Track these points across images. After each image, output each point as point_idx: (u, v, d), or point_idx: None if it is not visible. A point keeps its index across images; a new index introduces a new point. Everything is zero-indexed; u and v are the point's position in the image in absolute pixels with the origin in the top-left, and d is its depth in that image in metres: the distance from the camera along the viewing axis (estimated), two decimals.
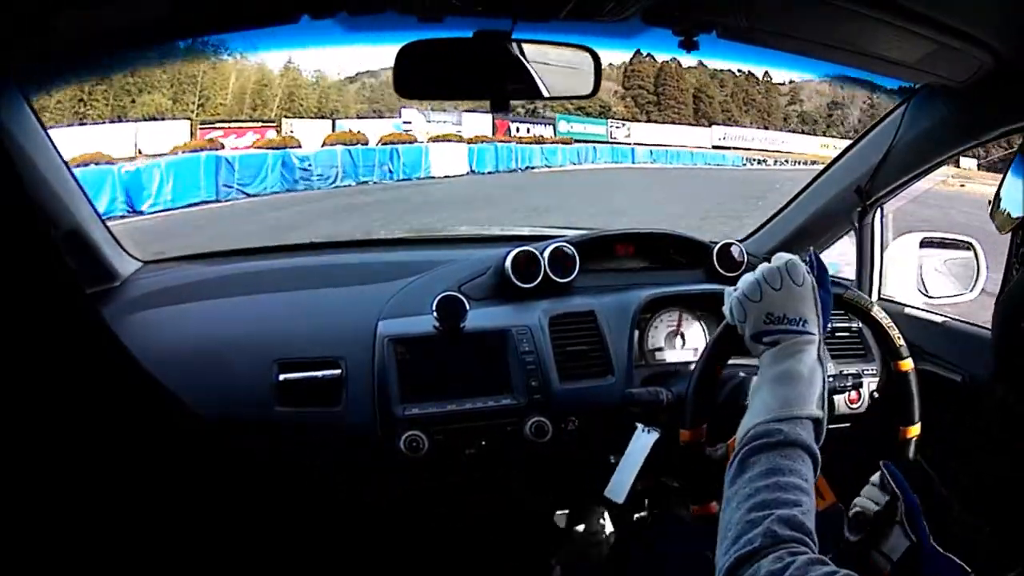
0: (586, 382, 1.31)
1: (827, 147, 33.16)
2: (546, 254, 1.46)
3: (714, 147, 30.75)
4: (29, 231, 0.87)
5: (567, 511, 1.55)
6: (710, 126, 32.79)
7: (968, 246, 1.51)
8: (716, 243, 1.59)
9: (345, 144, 17.00)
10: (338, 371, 1.26)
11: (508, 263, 1.44)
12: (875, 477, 0.95)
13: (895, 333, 1.04)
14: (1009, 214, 0.69)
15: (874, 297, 1.51)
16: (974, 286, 1.48)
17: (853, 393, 1.32)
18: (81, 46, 0.99)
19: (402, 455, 1.21)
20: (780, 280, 0.85)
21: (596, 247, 1.54)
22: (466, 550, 1.51)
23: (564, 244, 1.49)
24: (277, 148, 15.09)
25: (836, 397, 1.31)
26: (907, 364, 1.04)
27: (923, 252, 1.52)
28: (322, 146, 17.00)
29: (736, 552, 0.62)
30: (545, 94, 1.08)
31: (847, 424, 1.34)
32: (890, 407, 1.09)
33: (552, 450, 1.28)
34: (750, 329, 0.85)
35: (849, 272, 1.58)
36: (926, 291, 1.52)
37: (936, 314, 1.47)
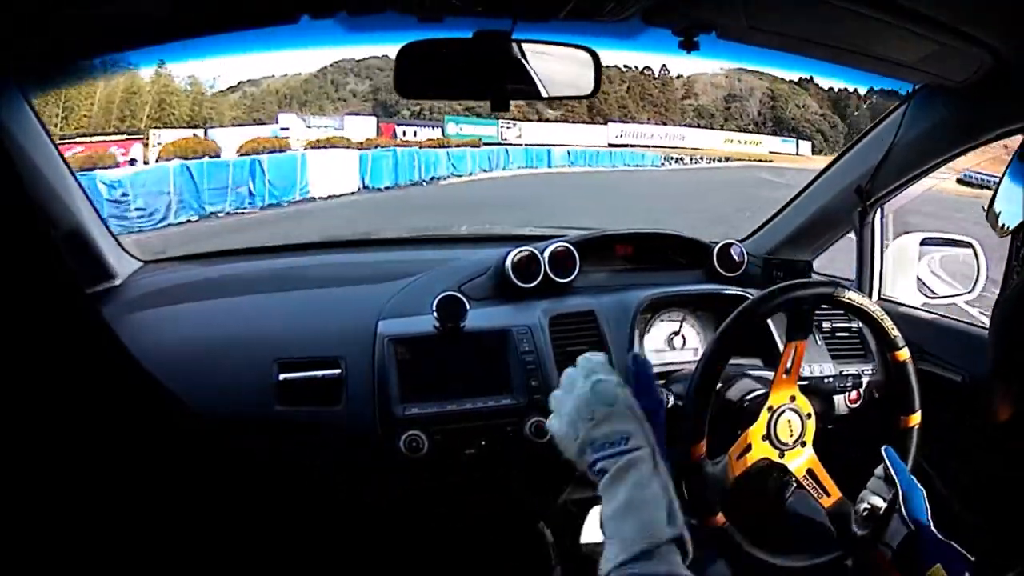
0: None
1: (731, 142, 33.23)
2: (546, 254, 1.47)
3: (610, 145, 28.84)
4: (29, 231, 0.87)
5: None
6: (606, 123, 30.91)
7: (968, 246, 1.51)
8: (716, 243, 1.60)
9: (186, 157, 11.85)
10: (338, 371, 1.26)
11: (508, 263, 1.44)
12: (879, 470, 0.96)
13: (889, 324, 1.05)
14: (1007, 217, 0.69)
15: (874, 297, 1.51)
16: (974, 286, 1.49)
17: (853, 393, 1.33)
18: (81, 46, 0.99)
19: (402, 455, 1.21)
20: (591, 410, 0.79)
21: (596, 247, 1.54)
22: (466, 550, 1.51)
23: (564, 244, 1.49)
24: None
25: (836, 397, 1.31)
26: (904, 354, 1.06)
27: (923, 252, 1.53)
28: (156, 161, 12.44)
29: None
30: (545, 94, 1.08)
31: (848, 422, 1.34)
32: (890, 403, 1.10)
33: (552, 450, 1.27)
34: (579, 463, 0.80)
35: (849, 272, 1.58)
36: (926, 291, 1.53)
37: (936, 314, 1.47)
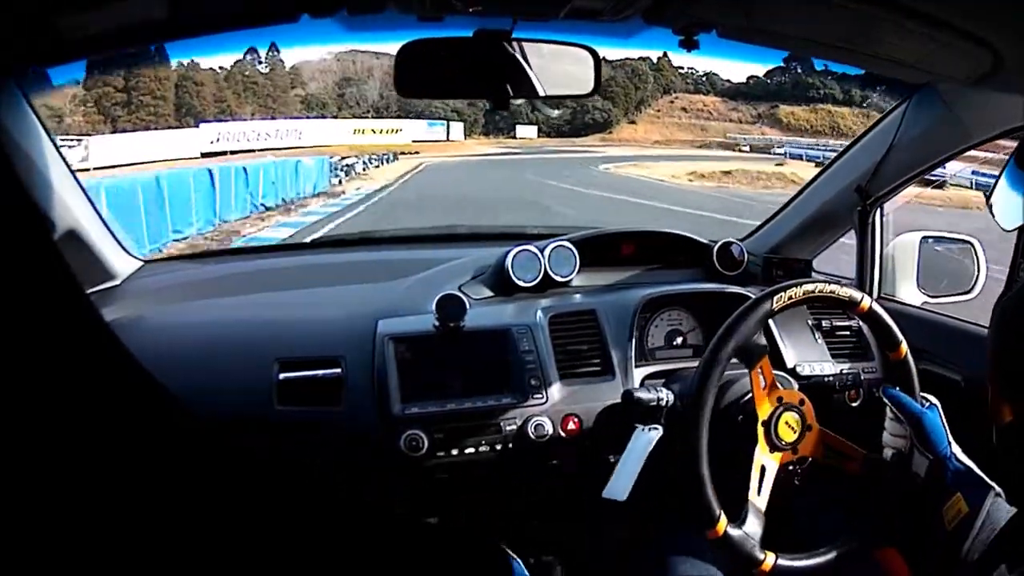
0: (586, 381, 1.31)
1: (361, 132, 28.63)
2: (546, 253, 1.47)
3: (203, 155, 19.79)
4: (29, 231, 0.87)
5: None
6: (197, 125, 23.60)
7: (968, 244, 1.51)
8: (716, 242, 1.60)
9: None
10: (338, 370, 1.26)
11: (509, 262, 1.44)
12: (889, 411, 0.97)
13: (889, 321, 1.06)
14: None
15: (874, 295, 1.50)
16: (974, 285, 1.48)
17: (853, 392, 1.33)
18: (81, 46, 0.99)
19: (402, 454, 1.21)
20: None
21: (596, 246, 1.54)
22: (466, 550, 1.50)
23: (564, 243, 1.49)
24: None
25: (836, 396, 1.32)
26: (903, 350, 1.07)
27: (924, 251, 1.52)
28: None
29: None
30: (545, 93, 1.08)
31: (848, 422, 1.34)
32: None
33: (552, 449, 1.28)
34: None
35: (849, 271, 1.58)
36: (926, 290, 1.52)
37: (936, 314, 1.47)
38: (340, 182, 17.31)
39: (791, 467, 1.06)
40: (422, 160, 25.09)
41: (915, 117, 1.30)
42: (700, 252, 1.59)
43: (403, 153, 26.22)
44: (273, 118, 27.71)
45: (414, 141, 30.01)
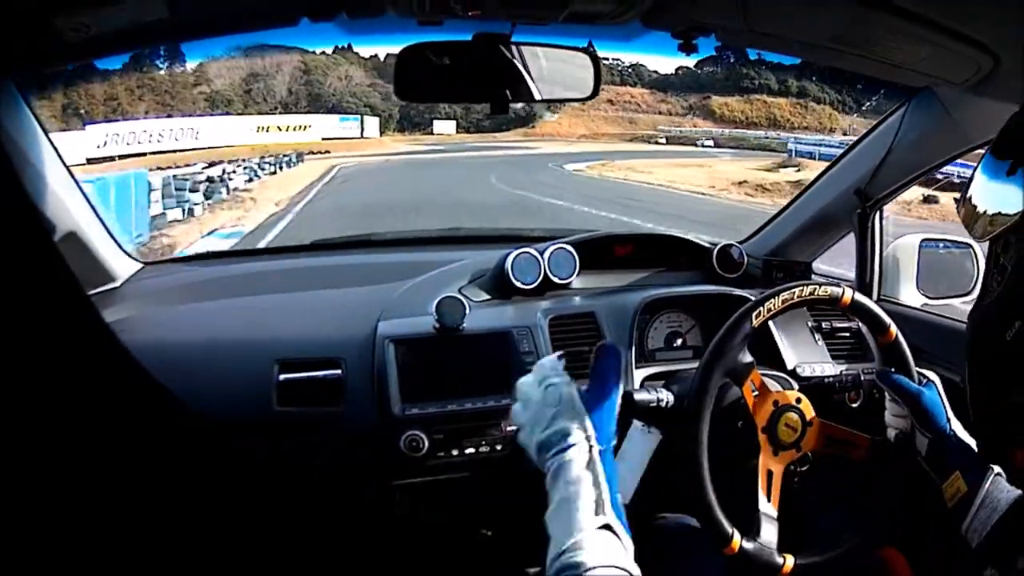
0: (586, 382, 1.31)
1: (264, 130, 25.01)
2: (546, 255, 1.47)
3: (90, 160, 16.58)
4: (28, 232, 0.87)
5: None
6: (84, 127, 20.30)
7: (968, 247, 1.51)
8: (716, 244, 1.60)
9: None
10: (338, 371, 1.26)
11: (508, 264, 1.45)
12: (887, 394, 0.97)
13: (874, 307, 1.06)
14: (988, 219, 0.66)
15: (874, 297, 1.51)
16: (973, 287, 1.48)
17: (852, 392, 1.33)
18: (81, 47, 0.99)
19: (402, 455, 1.21)
20: (542, 415, 0.80)
21: (596, 248, 1.54)
22: (466, 550, 1.51)
23: (564, 245, 1.49)
24: None
25: (836, 397, 1.32)
26: (892, 332, 1.06)
27: (923, 253, 1.53)
28: None
29: None
30: (544, 96, 1.09)
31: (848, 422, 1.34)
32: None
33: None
34: (535, 464, 0.81)
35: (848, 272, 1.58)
36: (926, 292, 1.52)
37: (936, 314, 1.47)
38: (186, 213, 10.82)
39: (793, 466, 1.06)
40: (335, 163, 21.31)
41: (914, 120, 1.31)
42: (700, 254, 1.60)
43: (311, 153, 23.17)
44: (169, 115, 24.34)
45: (324, 139, 27.04)
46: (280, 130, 26.75)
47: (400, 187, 15.36)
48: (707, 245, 1.60)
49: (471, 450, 1.26)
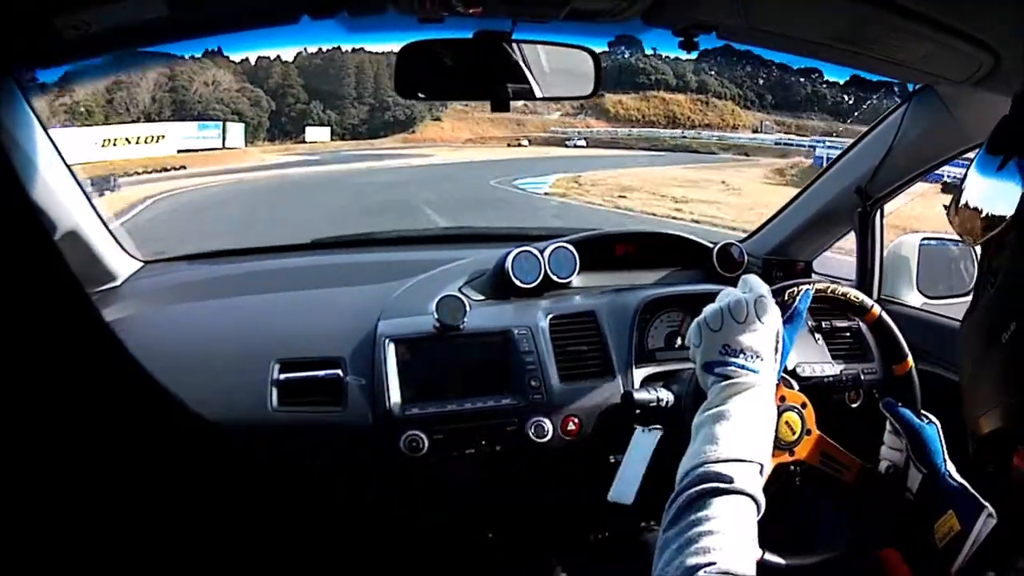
0: (586, 382, 1.31)
1: (109, 143, 21.34)
2: (546, 254, 1.47)
3: None
4: (29, 232, 0.87)
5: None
6: None
7: (968, 246, 1.51)
8: (716, 243, 1.60)
9: None
10: (338, 371, 1.26)
11: (509, 263, 1.45)
12: (888, 424, 0.96)
13: (851, 293, 1.06)
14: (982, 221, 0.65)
15: (874, 296, 1.51)
16: (973, 286, 1.48)
17: (852, 392, 1.33)
18: (81, 46, 0.99)
19: (402, 455, 1.21)
20: (744, 313, 0.81)
21: (596, 247, 1.54)
22: (466, 550, 1.50)
23: (565, 244, 1.49)
24: None
25: (836, 397, 1.31)
26: (908, 363, 1.08)
27: (923, 253, 1.52)
28: None
29: None
30: (545, 94, 1.09)
31: (848, 422, 1.34)
32: (881, 361, 1.11)
33: (552, 450, 1.28)
34: (702, 357, 0.82)
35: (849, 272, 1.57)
36: (926, 292, 1.52)
37: (936, 314, 1.47)
38: None
39: (792, 468, 1.05)
40: (167, 188, 15.77)
41: (915, 118, 1.30)
42: (700, 253, 1.59)
43: (164, 170, 18.70)
44: None
45: (180, 151, 23.04)
46: (129, 143, 22.61)
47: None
48: (707, 244, 1.60)
49: (471, 450, 1.26)
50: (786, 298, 0.96)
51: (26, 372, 0.88)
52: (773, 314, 0.83)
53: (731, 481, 0.69)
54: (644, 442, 1.18)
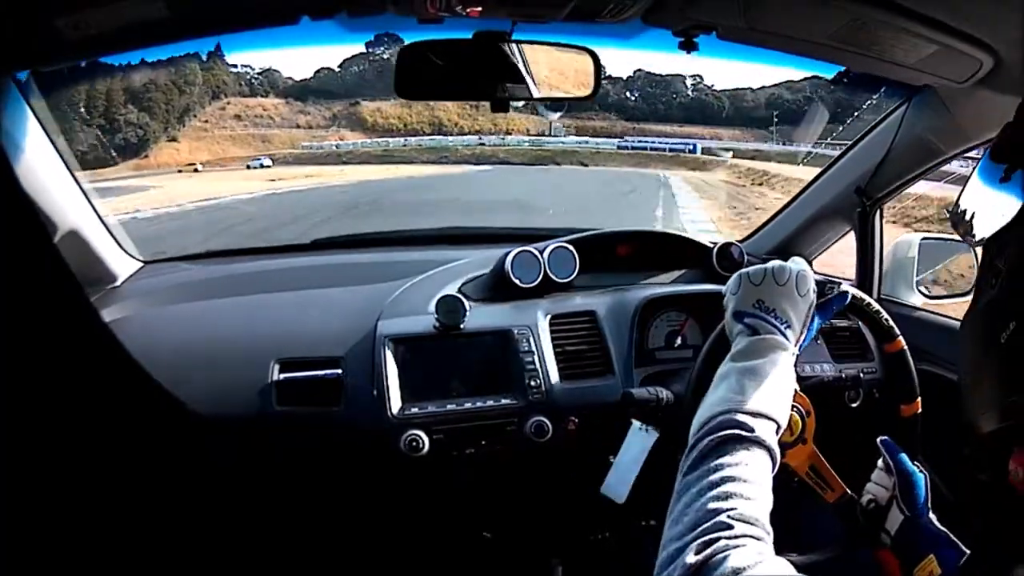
0: (586, 382, 1.31)
1: None
2: (546, 254, 1.47)
3: None
4: (29, 232, 0.87)
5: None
6: None
7: (968, 246, 1.51)
8: (716, 244, 1.60)
9: None
10: (338, 370, 1.26)
11: (508, 263, 1.45)
12: (880, 461, 0.96)
13: (883, 316, 1.06)
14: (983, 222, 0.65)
15: (874, 296, 1.50)
16: (973, 286, 1.48)
17: (852, 392, 1.33)
18: (81, 46, 0.99)
19: (401, 455, 1.21)
20: (786, 278, 0.85)
21: (596, 247, 1.54)
22: (466, 549, 1.51)
23: (564, 244, 1.49)
24: None
25: (836, 397, 1.31)
26: (899, 343, 1.07)
27: (923, 252, 1.52)
28: None
29: (695, 540, 0.61)
30: (544, 95, 1.09)
31: (848, 422, 1.34)
32: (890, 395, 1.10)
33: (552, 450, 1.28)
34: (735, 305, 0.86)
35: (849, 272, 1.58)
36: (925, 291, 1.52)
37: (936, 314, 1.47)
38: None
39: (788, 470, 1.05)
40: None
41: (915, 118, 1.30)
42: (700, 253, 1.59)
43: None
44: None
45: None
46: None
47: None
48: (707, 244, 1.60)
49: (471, 450, 1.26)
50: (825, 290, 0.96)
51: (27, 372, 0.89)
52: (811, 291, 0.86)
53: (752, 433, 0.70)
54: (640, 441, 1.18)
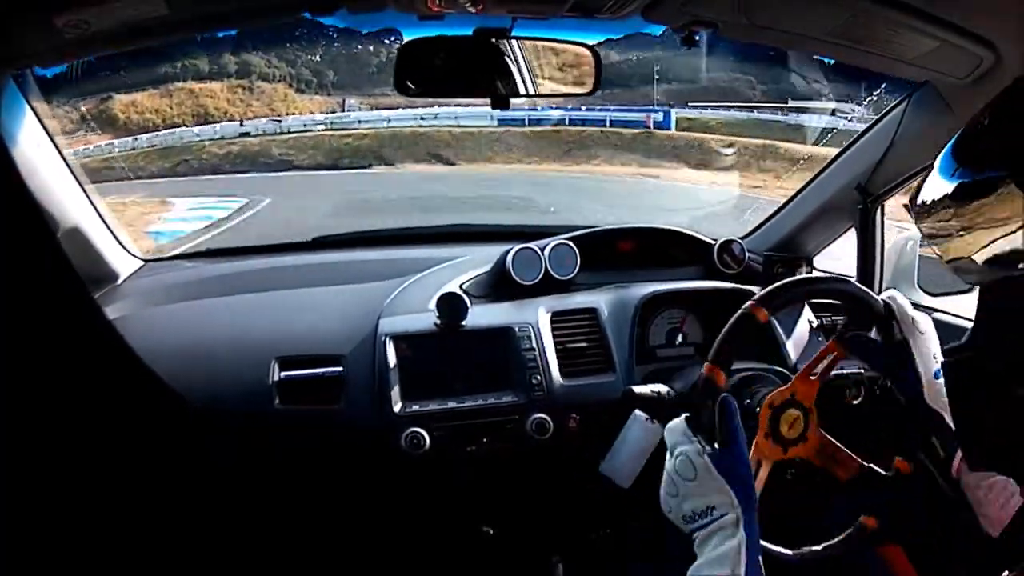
0: (587, 379, 1.32)
1: None
2: (547, 251, 1.47)
3: None
4: (32, 231, 0.87)
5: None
6: None
7: None
8: (717, 240, 1.60)
9: None
10: (339, 368, 1.26)
11: (509, 261, 1.45)
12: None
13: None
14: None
15: (876, 292, 1.50)
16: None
17: (853, 389, 1.33)
18: (81, 46, 0.99)
19: (403, 453, 1.21)
20: (676, 486, 0.81)
21: (597, 244, 1.54)
22: (467, 547, 1.51)
23: (565, 241, 1.49)
24: None
25: (837, 394, 1.31)
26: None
27: (924, 248, 1.52)
28: None
29: None
30: (545, 91, 1.08)
31: (848, 420, 1.34)
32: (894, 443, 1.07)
33: (553, 447, 1.28)
34: (679, 524, 0.83)
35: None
36: (926, 288, 1.52)
37: (937, 311, 1.46)
38: None
39: (791, 464, 1.05)
40: None
41: (915, 115, 1.30)
42: (701, 250, 1.59)
43: None
44: None
45: None
46: None
47: None
48: (709, 241, 1.60)
49: (472, 448, 1.26)
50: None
51: (30, 369, 0.89)
52: (695, 465, 0.81)
53: None
54: (645, 432, 1.18)
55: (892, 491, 0.96)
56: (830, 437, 1.02)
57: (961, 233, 0.59)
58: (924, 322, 0.97)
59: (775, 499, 1.00)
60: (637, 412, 1.20)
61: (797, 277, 0.98)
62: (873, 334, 1.03)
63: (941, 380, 0.90)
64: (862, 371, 1.34)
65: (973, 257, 0.58)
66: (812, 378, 1.01)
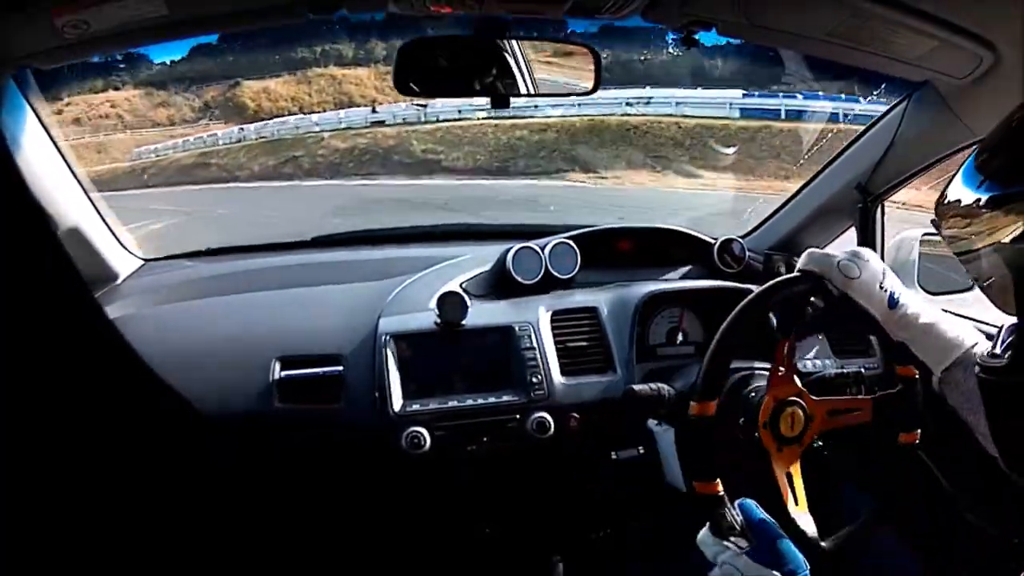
0: (588, 378, 1.32)
1: None
2: (547, 250, 1.47)
3: None
4: (32, 230, 0.87)
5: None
6: None
7: None
8: (717, 239, 1.60)
9: None
10: (339, 368, 1.26)
11: (509, 260, 1.45)
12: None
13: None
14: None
15: None
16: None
17: (854, 388, 1.33)
18: (81, 46, 0.99)
19: (403, 452, 1.21)
20: (711, 551, 0.87)
21: (597, 243, 1.54)
22: (467, 547, 1.51)
23: (565, 240, 1.50)
24: None
25: (837, 392, 1.31)
26: (915, 435, 1.03)
27: (924, 247, 1.52)
28: None
29: None
30: (545, 91, 1.08)
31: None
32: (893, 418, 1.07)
33: (554, 446, 1.28)
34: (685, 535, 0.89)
35: None
36: (926, 288, 1.52)
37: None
38: None
39: (813, 446, 1.04)
40: None
41: (915, 115, 1.30)
42: (701, 249, 1.59)
43: None
44: None
45: None
46: None
47: None
48: (709, 239, 1.60)
49: (473, 447, 1.26)
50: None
51: (31, 368, 0.89)
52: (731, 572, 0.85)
53: None
54: (667, 435, 1.22)
55: (904, 397, 0.97)
56: (830, 398, 1.03)
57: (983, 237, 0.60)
58: (858, 265, 0.96)
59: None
60: (651, 423, 1.21)
61: (716, 341, 0.97)
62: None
63: (900, 308, 0.92)
64: (862, 371, 1.34)
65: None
66: (781, 372, 1.00)
